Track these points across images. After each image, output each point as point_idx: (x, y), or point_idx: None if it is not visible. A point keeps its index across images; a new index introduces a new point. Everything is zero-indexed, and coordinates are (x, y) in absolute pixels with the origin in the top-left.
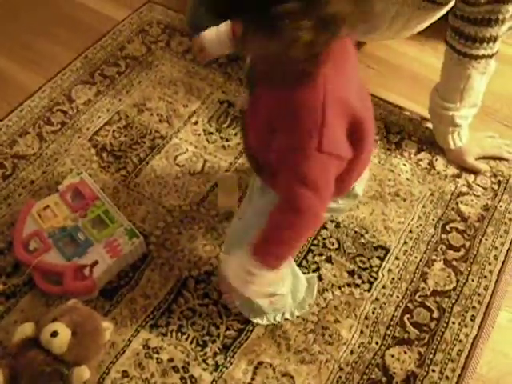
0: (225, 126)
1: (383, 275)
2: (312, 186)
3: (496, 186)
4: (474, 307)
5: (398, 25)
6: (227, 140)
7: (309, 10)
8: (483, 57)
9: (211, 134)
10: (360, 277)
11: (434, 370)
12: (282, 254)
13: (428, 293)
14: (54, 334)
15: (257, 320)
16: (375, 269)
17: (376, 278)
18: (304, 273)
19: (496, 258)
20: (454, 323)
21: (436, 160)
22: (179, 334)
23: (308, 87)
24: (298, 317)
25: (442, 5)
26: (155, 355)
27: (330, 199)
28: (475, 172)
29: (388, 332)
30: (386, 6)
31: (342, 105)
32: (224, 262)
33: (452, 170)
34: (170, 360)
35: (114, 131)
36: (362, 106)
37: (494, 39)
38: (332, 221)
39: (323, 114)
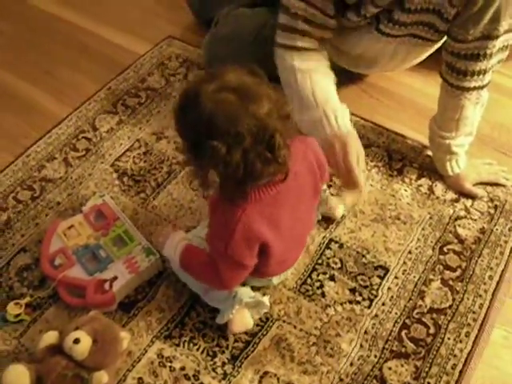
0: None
1: (383, 293)
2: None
3: (492, 211)
4: (468, 324)
5: (398, 59)
6: None
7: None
8: (474, 88)
9: None
10: (361, 294)
11: (429, 383)
12: (190, 271)
13: (425, 310)
14: (76, 341)
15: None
16: (375, 287)
17: (376, 296)
18: (308, 290)
19: (491, 278)
20: (449, 339)
21: (435, 185)
22: (191, 345)
23: (231, 210)
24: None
25: (434, 41)
26: (168, 364)
27: (234, 281)
28: (473, 197)
29: (386, 346)
30: (384, 45)
31: (251, 234)
32: (171, 233)
33: (450, 195)
34: (182, 368)
35: (134, 157)
36: (279, 237)
37: (484, 72)
38: (336, 242)
39: (231, 234)
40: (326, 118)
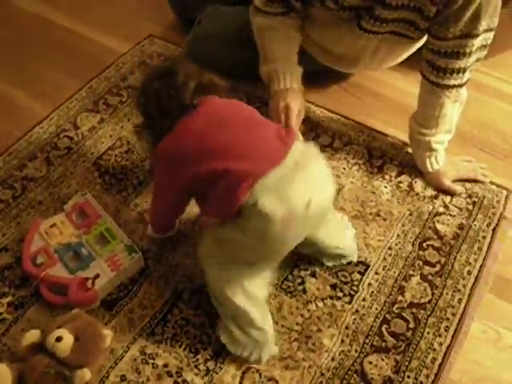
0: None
1: (363, 289)
2: None
3: (471, 207)
4: (447, 318)
5: (379, 57)
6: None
7: None
8: (454, 86)
9: None
10: (342, 290)
11: (409, 376)
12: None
13: (405, 305)
14: (59, 339)
15: (233, 350)
16: (356, 283)
17: (356, 291)
18: (289, 286)
19: (469, 273)
20: (428, 333)
21: (415, 182)
22: (174, 342)
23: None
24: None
25: (415, 39)
26: (151, 361)
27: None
28: (451, 193)
29: (367, 341)
30: (366, 42)
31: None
32: None
33: (430, 192)
34: (165, 365)
35: (116, 156)
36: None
37: (464, 70)
38: None
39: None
40: (276, 74)
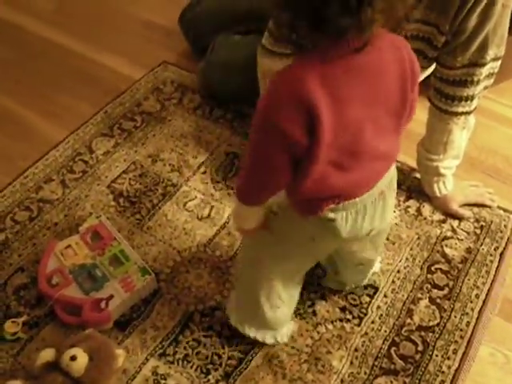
0: (230, 175)
1: (372, 311)
2: None
3: (478, 231)
4: (456, 341)
5: None
6: (232, 188)
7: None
8: (462, 113)
9: (218, 182)
10: (351, 312)
11: None
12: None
13: (414, 328)
14: (73, 358)
15: (254, 335)
16: (365, 305)
17: (366, 314)
18: (299, 308)
19: (477, 296)
20: (437, 356)
21: (423, 207)
22: (185, 362)
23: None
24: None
25: (424, 68)
26: (163, 381)
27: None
28: (459, 218)
29: (376, 363)
30: None
31: (301, 93)
32: None
33: (438, 216)
34: None
35: (130, 179)
36: (337, 121)
37: (472, 98)
38: None
39: (277, 90)
40: None
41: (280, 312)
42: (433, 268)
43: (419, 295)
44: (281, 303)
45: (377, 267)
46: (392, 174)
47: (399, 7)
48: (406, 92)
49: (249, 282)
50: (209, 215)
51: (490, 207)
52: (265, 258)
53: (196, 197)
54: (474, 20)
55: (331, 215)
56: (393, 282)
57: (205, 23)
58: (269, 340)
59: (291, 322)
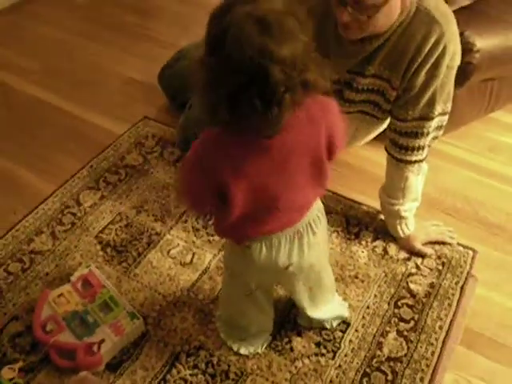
0: (210, 223)
1: (345, 345)
2: None
3: (440, 267)
4: (422, 370)
5: (349, 134)
6: (212, 235)
7: None
8: (416, 161)
9: (198, 230)
10: (325, 347)
11: None
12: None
13: (383, 359)
14: None
15: (230, 344)
16: (338, 340)
17: (339, 348)
18: (277, 345)
19: (441, 327)
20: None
21: (389, 246)
22: None
23: (211, 137)
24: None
25: (380, 119)
26: None
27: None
28: (422, 255)
29: None
30: (350, 122)
31: (210, 162)
32: None
33: (403, 255)
34: None
35: (116, 230)
36: (245, 187)
37: (423, 147)
38: None
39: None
40: None
41: (252, 322)
42: (399, 303)
43: (387, 328)
44: (250, 314)
45: (344, 310)
46: (311, 217)
47: (317, 89)
48: (320, 160)
49: (223, 300)
50: (191, 261)
51: (450, 244)
52: (227, 279)
53: (179, 244)
54: (421, 78)
55: (247, 243)
56: (363, 317)
57: (182, 81)
58: (243, 351)
59: (267, 337)
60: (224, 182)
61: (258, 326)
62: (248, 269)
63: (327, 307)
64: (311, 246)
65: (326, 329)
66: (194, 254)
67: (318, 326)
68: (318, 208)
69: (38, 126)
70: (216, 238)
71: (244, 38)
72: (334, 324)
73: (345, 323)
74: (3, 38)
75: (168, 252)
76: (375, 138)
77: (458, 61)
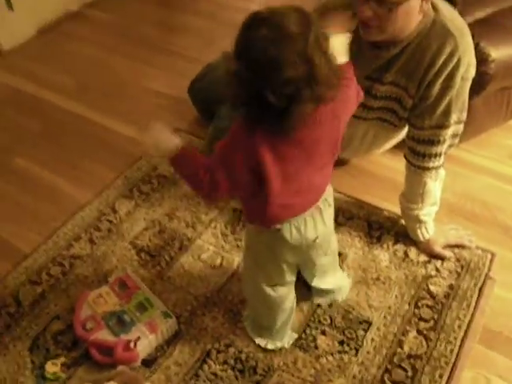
0: (238, 229)
1: (367, 343)
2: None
3: (459, 269)
4: (441, 367)
5: (368, 140)
6: (240, 240)
7: None
8: (433, 168)
9: (227, 235)
10: (348, 345)
11: None
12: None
13: (404, 356)
14: None
15: (258, 340)
16: (361, 338)
17: (361, 346)
18: (303, 343)
19: (460, 326)
20: (425, 380)
21: (410, 250)
22: None
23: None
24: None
25: (398, 127)
26: None
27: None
28: (442, 258)
29: None
30: (356, 127)
31: (253, 152)
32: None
33: (423, 258)
34: None
35: (150, 236)
36: (283, 177)
37: (440, 154)
38: None
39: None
40: None
41: (277, 316)
42: (419, 303)
43: (408, 328)
44: (274, 305)
45: (346, 282)
46: (326, 195)
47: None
48: (337, 142)
49: (249, 294)
50: (220, 264)
51: (469, 248)
52: (250, 269)
53: (208, 249)
54: (436, 88)
55: (278, 226)
56: (384, 317)
57: (211, 93)
58: (270, 346)
59: (292, 335)
60: (261, 160)
61: (282, 318)
62: (282, 249)
63: (333, 277)
64: (330, 217)
65: (350, 328)
66: (223, 258)
67: (327, 291)
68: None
69: (73, 139)
70: (243, 242)
71: (267, 42)
72: (344, 295)
73: (367, 322)
74: (41, 56)
75: (199, 256)
76: (395, 146)
77: (472, 72)
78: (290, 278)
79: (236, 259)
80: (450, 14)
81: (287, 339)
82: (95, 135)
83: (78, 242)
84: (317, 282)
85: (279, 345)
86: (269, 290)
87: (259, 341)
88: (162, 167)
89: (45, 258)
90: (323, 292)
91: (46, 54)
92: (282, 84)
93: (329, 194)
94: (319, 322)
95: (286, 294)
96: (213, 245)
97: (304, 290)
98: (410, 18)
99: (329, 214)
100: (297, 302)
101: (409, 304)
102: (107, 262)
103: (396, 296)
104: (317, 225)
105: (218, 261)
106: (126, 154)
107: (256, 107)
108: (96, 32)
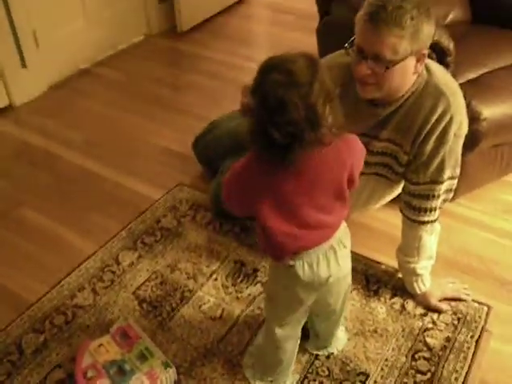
0: (239, 281)
1: None
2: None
3: (456, 322)
4: None
5: (365, 195)
6: (240, 292)
7: None
8: (428, 222)
9: (228, 287)
10: None
11: None
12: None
13: None
14: None
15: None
16: None
17: None
18: None
19: (457, 379)
20: None
21: (407, 303)
22: None
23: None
24: None
25: (394, 182)
26: None
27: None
28: (438, 311)
29: None
30: (366, 183)
31: (247, 179)
32: None
33: (420, 310)
34: None
35: (152, 287)
36: (277, 208)
37: (434, 209)
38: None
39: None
40: None
41: (281, 355)
42: (416, 356)
43: (405, 380)
44: (280, 344)
45: (342, 338)
46: (340, 234)
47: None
48: (341, 189)
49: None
50: (221, 316)
51: (465, 301)
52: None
53: (209, 300)
54: (430, 145)
55: (291, 262)
56: (381, 369)
57: (215, 149)
58: None
59: (294, 376)
60: (256, 199)
61: (289, 360)
62: (295, 287)
63: (336, 324)
64: (344, 258)
65: (347, 380)
66: (223, 310)
67: (323, 347)
68: (344, 226)
69: (80, 191)
70: (244, 294)
71: (276, 85)
72: (340, 348)
73: (364, 374)
74: (52, 111)
75: (199, 307)
76: (391, 201)
77: (465, 130)
78: (302, 318)
79: (236, 311)
80: (442, 76)
81: (290, 382)
82: (102, 189)
83: (81, 292)
84: (320, 327)
85: None
86: (277, 329)
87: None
88: (165, 220)
89: (49, 307)
90: (321, 340)
91: (57, 110)
92: (285, 123)
93: (344, 236)
94: (317, 373)
95: (292, 334)
96: (213, 296)
97: (302, 341)
98: (405, 77)
99: (343, 255)
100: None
101: (406, 356)
102: (109, 312)
103: (393, 348)
104: (330, 263)
105: (219, 312)
106: (131, 207)
107: (262, 140)
108: (105, 89)
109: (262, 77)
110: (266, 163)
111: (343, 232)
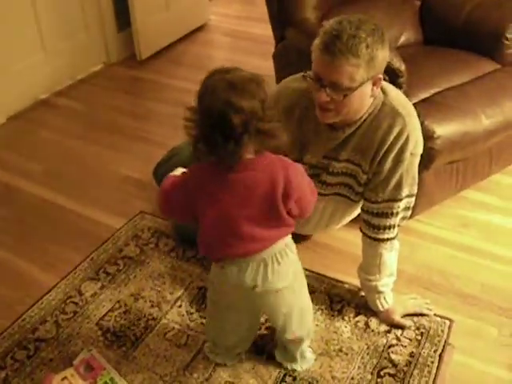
0: (203, 306)
1: None
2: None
3: (419, 337)
4: None
5: (327, 216)
6: (205, 318)
7: None
8: (388, 239)
9: (192, 314)
10: None
11: None
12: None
13: None
14: None
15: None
16: None
17: None
18: None
19: None
20: None
21: (370, 321)
22: None
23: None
24: None
25: (354, 201)
26: None
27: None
28: (402, 327)
29: None
30: (328, 204)
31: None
32: None
33: (383, 327)
34: None
35: (115, 316)
36: (214, 213)
37: (393, 226)
38: (290, 375)
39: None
40: None
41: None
42: (382, 373)
43: None
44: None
45: (309, 358)
46: (277, 250)
47: (270, 143)
48: (276, 206)
49: (209, 313)
50: (185, 343)
51: (428, 315)
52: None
53: (174, 328)
54: (388, 164)
55: (222, 264)
56: None
57: None
58: (218, 360)
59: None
60: (197, 204)
61: (235, 341)
62: (223, 286)
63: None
64: (275, 274)
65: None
66: (188, 336)
67: (289, 361)
68: (286, 244)
69: (40, 223)
70: None
71: (215, 92)
72: (304, 367)
73: None
74: (10, 143)
75: (164, 335)
76: (351, 221)
77: (420, 148)
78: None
79: (201, 337)
80: (397, 97)
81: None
82: (63, 220)
83: (43, 325)
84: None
85: (228, 362)
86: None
87: (212, 357)
88: (127, 249)
89: (10, 342)
90: (288, 354)
91: (16, 141)
92: (225, 126)
93: (282, 253)
94: None
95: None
96: (178, 323)
97: (269, 363)
98: (363, 101)
99: (275, 270)
100: (262, 376)
101: (371, 373)
102: (72, 343)
103: (359, 366)
104: (257, 275)
105: (184, 339)
106: (93, 237)
107: (207, 144)
108: (65, 119)
109: (204, 84)
110: (207, 172)
111: (280, 249)
